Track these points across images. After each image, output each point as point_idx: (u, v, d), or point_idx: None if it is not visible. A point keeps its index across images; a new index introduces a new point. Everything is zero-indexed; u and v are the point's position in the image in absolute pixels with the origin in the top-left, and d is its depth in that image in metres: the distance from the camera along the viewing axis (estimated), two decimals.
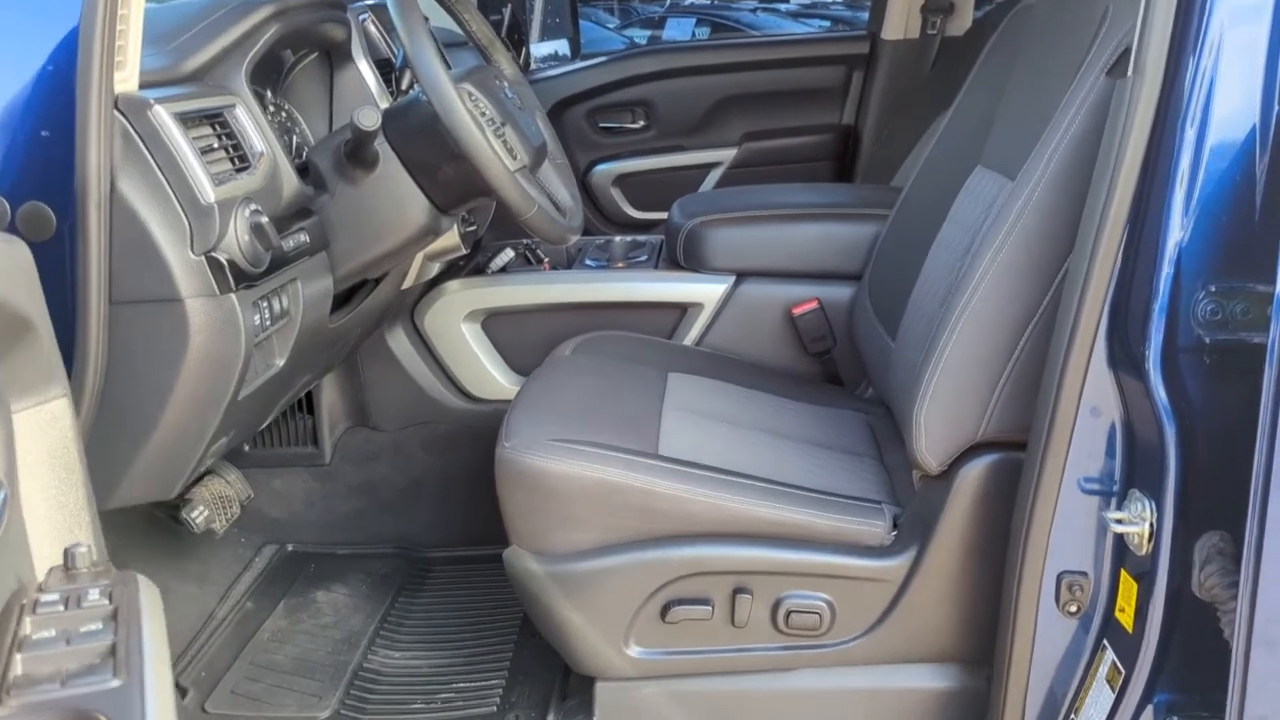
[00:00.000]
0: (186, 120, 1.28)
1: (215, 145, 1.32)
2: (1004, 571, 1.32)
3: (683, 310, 2.03)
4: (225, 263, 1.25)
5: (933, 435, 1.39)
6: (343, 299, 1.72)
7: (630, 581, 1.42)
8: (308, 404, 2.06)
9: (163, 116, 1.23)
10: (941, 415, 1.38)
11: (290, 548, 2.05)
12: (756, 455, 1.57)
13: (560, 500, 1.42)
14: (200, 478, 1.85)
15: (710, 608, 1.43)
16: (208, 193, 1.25)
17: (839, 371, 1.99)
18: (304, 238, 1.45)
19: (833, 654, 1.46)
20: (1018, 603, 1.28)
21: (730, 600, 1.43)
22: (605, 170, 2.92)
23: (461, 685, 1.64)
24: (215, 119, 1.35)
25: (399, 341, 2.04)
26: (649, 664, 1.45)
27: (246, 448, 2.06)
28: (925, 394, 1.39)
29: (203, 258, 1.24)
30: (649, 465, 1.44)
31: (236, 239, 1.27)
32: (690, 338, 2.01)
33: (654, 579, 1.42)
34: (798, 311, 1.95)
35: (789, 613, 1.43)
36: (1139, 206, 1.15)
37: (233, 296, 1.27)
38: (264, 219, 1.31)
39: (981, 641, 1.41)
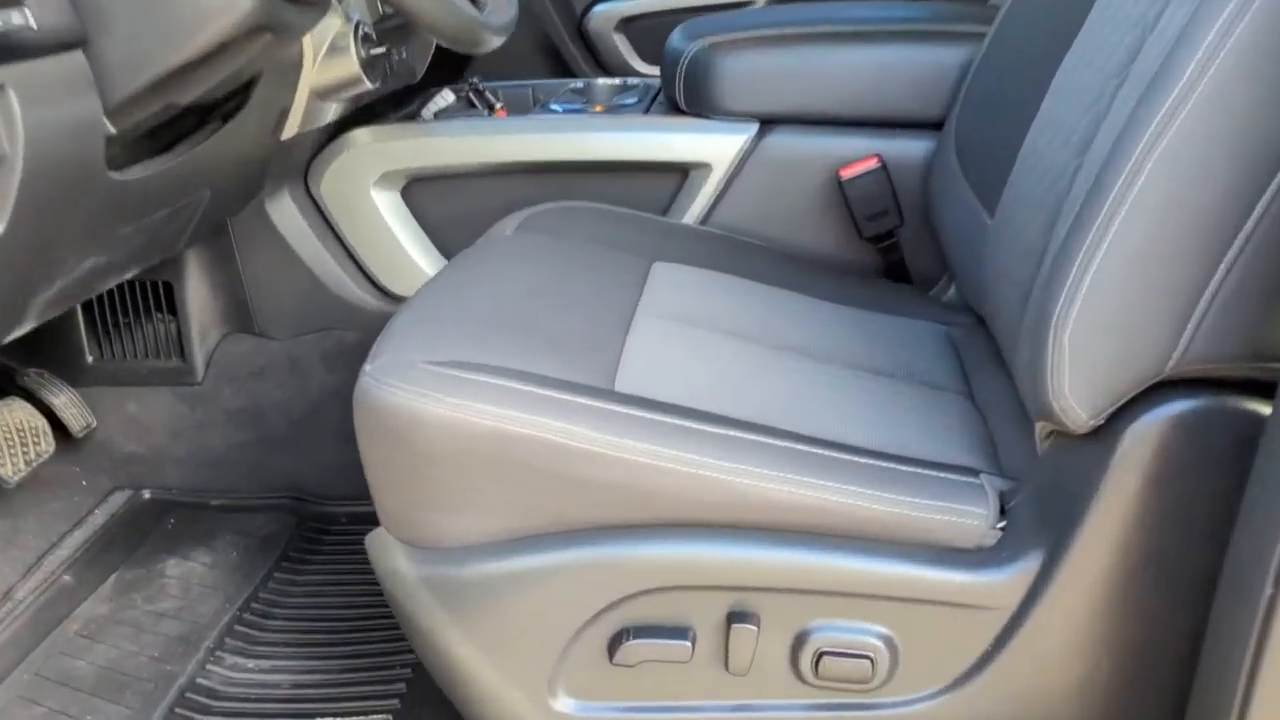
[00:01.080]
0: None
1: None
2: (1214, 607, 0.74)
3: (683, 174, 1.43)
4: None
5: (1083, 368, 0.78)
6: (162, 141, 1.14)
7: (557, 597, 0.86)
8: (168, 301, 1.50)
9: None
10: (1101, 335, 0.78)
11: (147, 495, 1.52)
12: (774, 390, 0.98)
13: (441, 462, 0.85)
14: None
15: (688, 643, 0.86)
16: None
17: (906, 262, 1.38)
18: (22, 19, 0.87)
19: (890, 719, 0.89)
20: (1256, 670, 0.69)
21: (723, 631, 0.87)
22: (606, 11, 2.27)
23: None
24: None
25: (287, 215, 1.47)
26: None
27: (90, 359, 1.52)
28: (1069, 302, 0.78)
29: None
30: (589, 409, 0.86)
31: None
32: (693, 213, 1.41)
33: (596, 594, 0.86)
34: (848, 174, 1.34)
35: (820, 654, 0.86)
36: None
37: None
38: None
39: (1157, 714, 0.84)
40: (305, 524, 1.47)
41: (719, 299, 1.17)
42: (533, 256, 1.18)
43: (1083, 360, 0.78)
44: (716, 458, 0.84)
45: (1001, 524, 0.86)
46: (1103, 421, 0.80)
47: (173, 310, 1.51)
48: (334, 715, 1.12)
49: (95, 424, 1.50)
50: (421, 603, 0.88)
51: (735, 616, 0.86)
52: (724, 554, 0.85)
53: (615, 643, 0.87)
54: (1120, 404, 0.80)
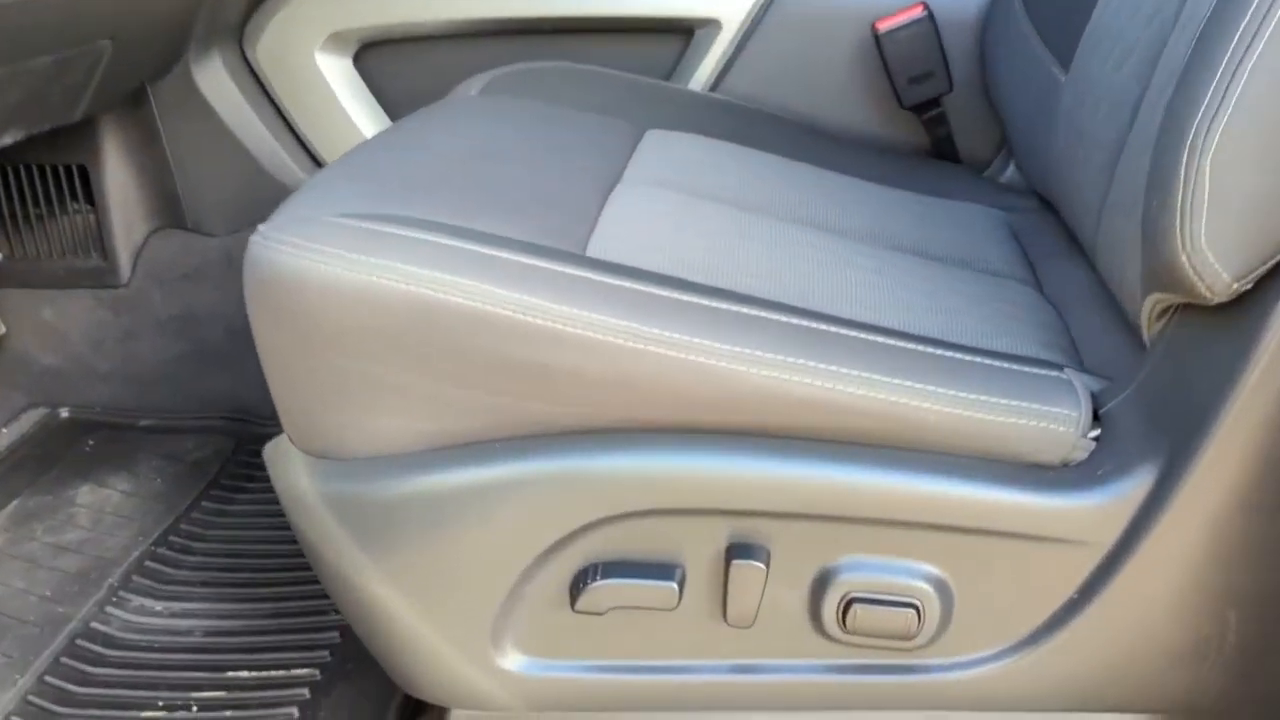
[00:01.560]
0: None
1: None
2: None
3: (688, 34, 1.19)
4: None
5: (1229, 209, 0.56)
6: None
7: (502, 523, 0.65)
8: (85, 189, 1.29)
9: None
10: (1257, 163, 0.55)
11: (65, 413, 1.32)
12: (795, 268, 0.77)
13: (346, 342, 0.64)
14: None
15: (674, 584, 0.65)
16: None
17: (955, 137, 1.15)
18: None
19: (938, 687, 0.68)
20: None
21: (720, 569, 0.66)
22: None
23: (242, 675, 0.91)
24: None
25: (218, 85, 1.24)
26: (541, 688, 0.70)
27: (0, 255, 1.31)
28: (1212, 117, 0.55)
29: None
30: (547, 273, 0.64)
31: None
32: (699, 80, 1.18)
33: (553, 519, 0.65)
34: (887, 26, 1.10)
35: (848, 601, 0.65)
36: None
37: None
38: None
39: None
40: (243, 448, 1.26)
41: (728, 170, 0.94)
42: (497, 116, 0.96)
43: (1230, 197, 0.56)
44: (715, 339, 0.62)
45: (1095, 433, 0.65)
46: (1249, 286, 0.58)
47: (91, 200, 1.30)
48: (251, 669, 0.92)
49: (5, 331, 1.30)
50: (326, 530, 0.68)
51: (737, 550, 0.65)
52: (724, 467, 0.64)
53: (579, 583, 0.66)
54: (1272, 265, 0.58)
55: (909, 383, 0.62)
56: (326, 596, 0.99)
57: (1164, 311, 0.64)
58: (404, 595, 0.68)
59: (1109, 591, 0.63)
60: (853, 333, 0.65)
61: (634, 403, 0.63)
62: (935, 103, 1.12)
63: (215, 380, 1.32)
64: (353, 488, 0.67)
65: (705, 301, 0.65)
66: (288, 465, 0.70)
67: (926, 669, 0.68)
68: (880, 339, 0.65)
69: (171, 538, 1.10)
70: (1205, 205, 0.55)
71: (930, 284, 0.81)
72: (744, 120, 1.10)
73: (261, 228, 0.69)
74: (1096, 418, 0.66)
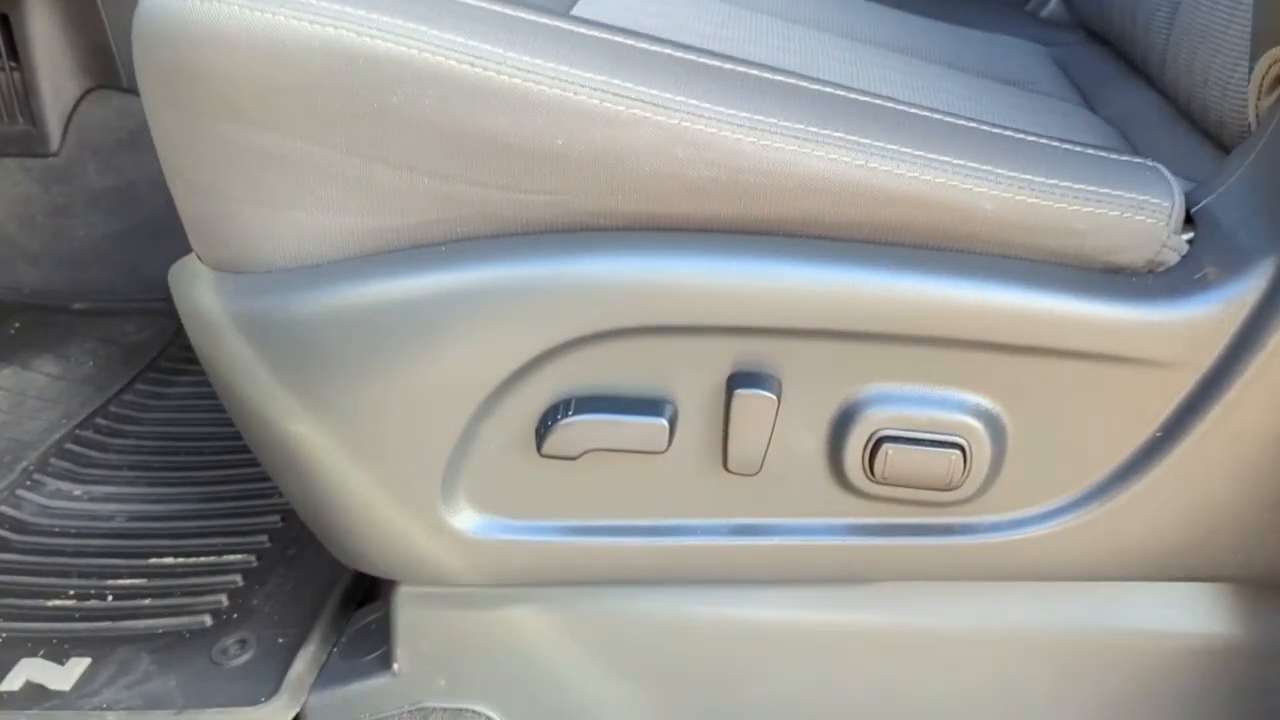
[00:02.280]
0: None
1: None
2: None
3: None
4: None
5: None
6: None
7: (451, 345, 0.53)
8: (7, 43, 1.15)
9: None
10: None
11: None
12: (821, 65, 0.64)
13: (252, 111, 0.51)
14: None
15: (664, 420, 0.53)
16: None
17: None
18: None
19: (984, 552, 0.56)
20: None
21: (721, 402, 0.53)
22: None
23: (167, 561, 0.79)
24: None
25: None
26: (501, 554, 0.57)
27: None
28: None
29: None
30: (506, 17, 0.51)
31: None
32: None
33: (515, 340, 0.52)
34: None
35: (877, 441, 0.53)
36: None
37: None
38: None
39: None
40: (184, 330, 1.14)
41: None
42: None
43: None
44: (719, 101, 0.49)
45: (1188, 235, 0.52)
46: None
47: (14, 55, 1.15)
48: (177, 555, 0.80)
49: None
50: (236, 357, 0.55)
51: (742, 379, 0.53)
52: (725, 273, 0.51)
53: (547, 421, 0.54)
54: None
55: (960, 160, 0.50)
56: (270, 479, 0.87)
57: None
58: (332, 437, 0.55)
59: (1202, 426, 0.51)
60: (893, 105, 0.52)
61: (615, 187, 0.50)
62: None
63: (157, 258, 1.19)
64: (266, 304, 0.54)
65: (708, 61, 0.51)
66: (192, 283, 0.58)
67: (970, 529, 0.56)
68: (929, 114, 0.52)
69: (99, 420, 0.97)
70: None
71: (975, 93, 0.68)
72: None
73: None
74: (1192, 218, 0.53)
